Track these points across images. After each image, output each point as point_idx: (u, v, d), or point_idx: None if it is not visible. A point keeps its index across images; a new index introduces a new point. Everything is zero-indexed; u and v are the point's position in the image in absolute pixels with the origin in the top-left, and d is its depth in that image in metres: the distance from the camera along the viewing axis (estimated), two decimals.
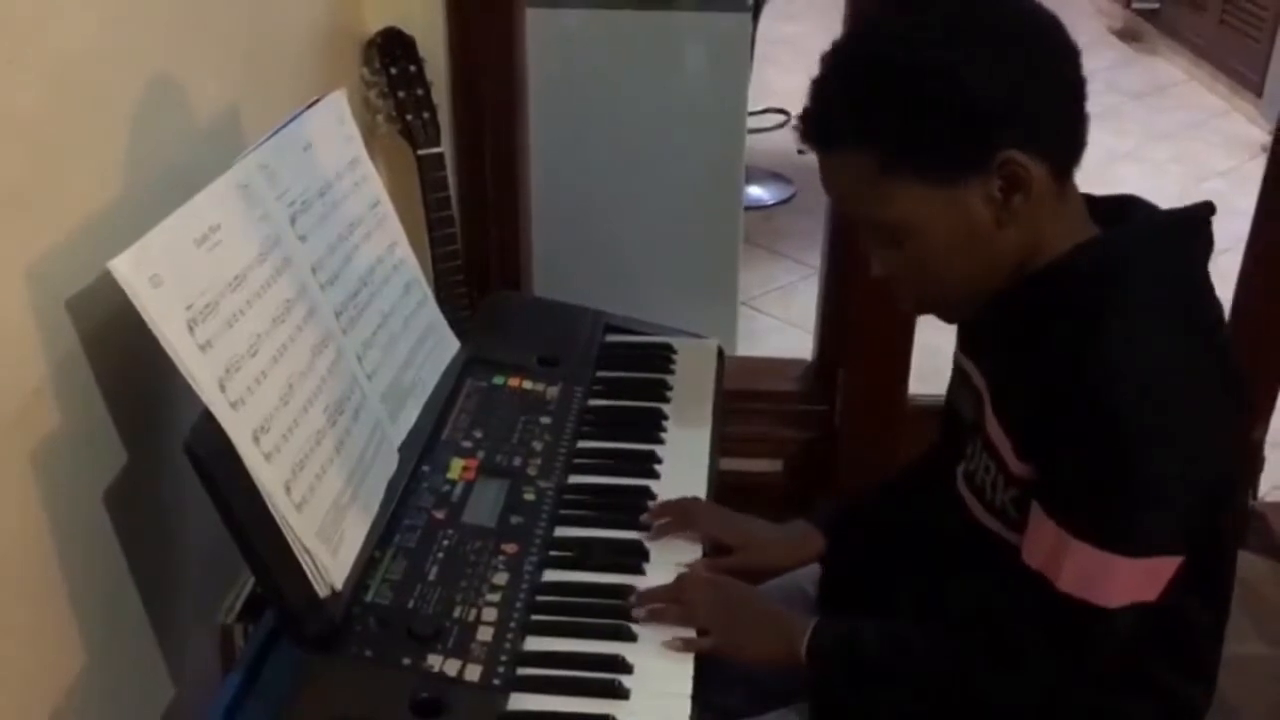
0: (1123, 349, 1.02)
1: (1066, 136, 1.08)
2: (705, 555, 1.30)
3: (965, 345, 1.25)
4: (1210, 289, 1.11)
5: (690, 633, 1.17)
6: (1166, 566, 1.05)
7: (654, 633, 1.16)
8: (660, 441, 1.45)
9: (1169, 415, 1.01)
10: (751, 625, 1.21)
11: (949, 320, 1.21)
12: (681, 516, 1.32)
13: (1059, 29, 1.07)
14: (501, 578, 1.19)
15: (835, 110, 1.08)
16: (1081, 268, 1.08)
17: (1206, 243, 1.11)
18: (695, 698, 1.11)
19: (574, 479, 1.37)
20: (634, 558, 1.26)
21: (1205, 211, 1.10)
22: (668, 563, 1.26)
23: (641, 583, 1.23)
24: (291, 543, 1.07)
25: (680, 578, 1.24)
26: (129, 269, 0.98)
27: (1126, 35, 5.11)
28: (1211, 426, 1.05)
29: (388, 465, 1.28)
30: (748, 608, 1.23)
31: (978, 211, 1.06)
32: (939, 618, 1.17)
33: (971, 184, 1.05)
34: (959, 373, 1.26)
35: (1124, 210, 1.14)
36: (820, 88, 1.10)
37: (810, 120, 1.10)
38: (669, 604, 1.19)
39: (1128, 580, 1.04)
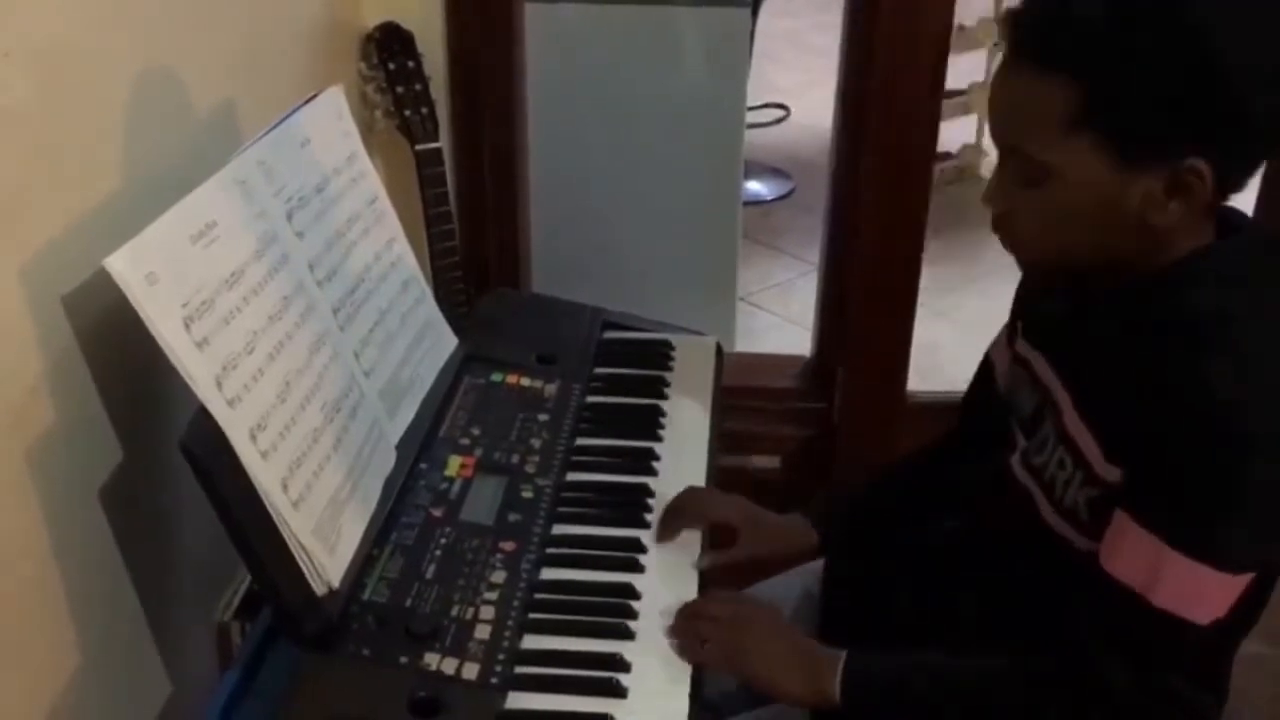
0: (1248, 358, 0.99)
1: (1255, 160, 1.02)
2: (708, 545, 1.28)
3: (1033, 336, 1.19)
4: None
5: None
6: (1246, 581, 1.01)
7: (653, 632, 1.16)
8: (659, 439, 1.45)
9: None
10: (771, 653, 1.16)
11: (1031, 268, 1.13)
12: (678, 517, 1.31)
13: None
14: (499, 576, 1.19)
15: (1073, 30, 0.96)
16: (1206, 274, 1.03)
17: None
18: (694, 697, 1.10)
19: (572, 476, 1.36)
20: (632, 555, 1.26)
21: None
22: (667, 561, 1.26)
23: (640, 581, 1.22)
24: (288, 540, 1.06)
25: (700, 600, 1.20)
26: (125, 266, 0.98)
27: None
28: None
29: (385, 463, 1.27)
30: (767, 633, 1.18)
31: (1131, 199, 1.00)
32: (942, 619, 1.15)
33: (1141, 172, 0.99)
34: (1019, 363, 1.20)
35: (1222, 217, 1.08)
36: None
37: (1032, 25, 0.99)
38: (689, 623, 1.16)
39: (1222, 595, 1.00)
